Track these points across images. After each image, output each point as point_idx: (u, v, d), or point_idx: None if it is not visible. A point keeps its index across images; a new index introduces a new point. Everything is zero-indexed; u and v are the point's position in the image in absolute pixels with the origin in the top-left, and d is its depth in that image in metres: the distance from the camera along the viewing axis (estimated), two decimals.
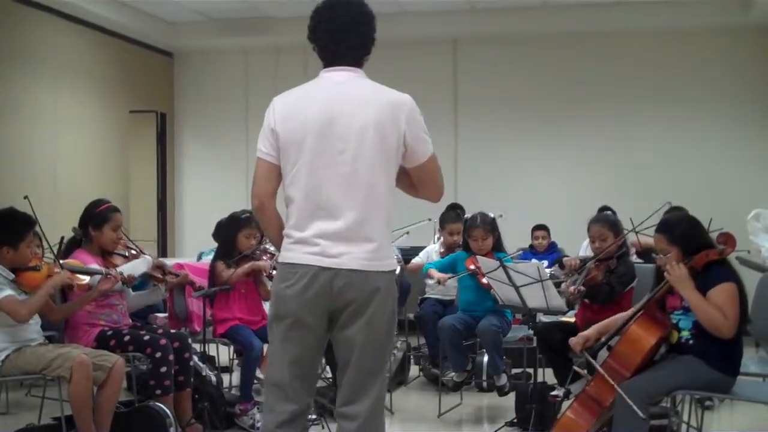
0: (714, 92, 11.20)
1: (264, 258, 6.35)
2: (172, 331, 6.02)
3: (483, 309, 6.55)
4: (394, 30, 11.30)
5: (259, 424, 5.87)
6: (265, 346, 5.68)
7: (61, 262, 5.29)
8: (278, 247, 3.69)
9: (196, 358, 6.07)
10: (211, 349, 7.18)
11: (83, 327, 5.53)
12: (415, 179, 3.70)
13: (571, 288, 5.99)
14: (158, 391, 5.49)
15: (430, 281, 7.55)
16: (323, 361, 5.86)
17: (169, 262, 6.87)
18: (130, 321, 5.87)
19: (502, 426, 6.26)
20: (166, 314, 6.84)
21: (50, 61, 10.03)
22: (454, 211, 8.26)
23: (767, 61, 10.96)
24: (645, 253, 7.67)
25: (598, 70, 11.50)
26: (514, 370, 7.41)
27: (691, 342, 4.68)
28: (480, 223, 6.70)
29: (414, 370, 8.19)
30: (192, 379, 5.84)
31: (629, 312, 5.09)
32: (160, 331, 5.83)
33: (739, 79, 11.15)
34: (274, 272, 4.00)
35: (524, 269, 5.82)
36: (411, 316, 8.09)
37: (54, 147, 10.05)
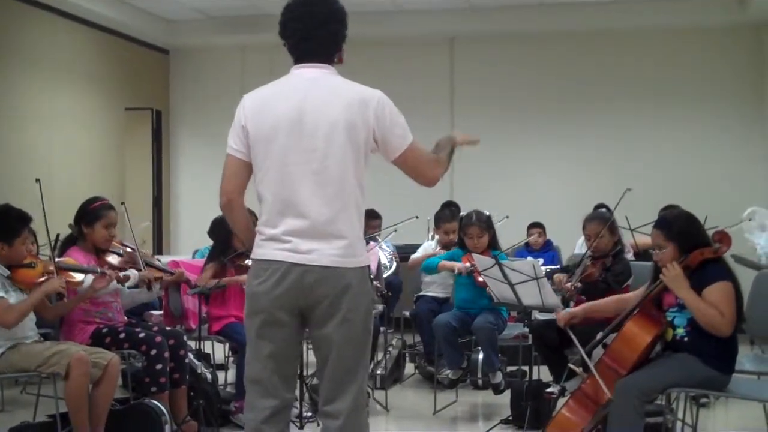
0: (711, 91, 11.21)
1: None
2: (168, 328, 6.02)
3: (478, 307, 6.56)
4: (391, 28, 11.34)
5: None
6: None
7: (56, 260, 5.27)
8: (247, 244, 3.72)
9: (191, 355, 6.06)
10: (207, 347, 7.18)
11: (79, 325, 5.52)
12: (402, 170, 3.72)
13: (568, 284, 6.01)
14: (154, 389, 5.49)
15: (437, 282, 7.54)
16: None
17: (164, 259, 6.88)
18: (126, 318, 5.86)
19: (497, 423, 6.27)
20: (162, 312, 6.84)
21: (46, 58, 10.01)
22: (449, 209, 8.25)
23: (764, 59, 10.96)
24: (642, 254, 7.66)
25: (595, 69, 11.50)
26: (510, 368, 7.41)
27: (686, 339, 4.69)
28: (475, 221, 6.70)
29: (409, 367, 8.20)
30: (187, 377, 5.83)
31: (623, 296, 5.14)
32: (155, 328, 5.82)
33: (737, 78, 11.16)
34: None
35: (519, 267, 5.82)
36: (406, 313, 8.09)
37: (49, 144, 10.03)
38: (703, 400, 6.43)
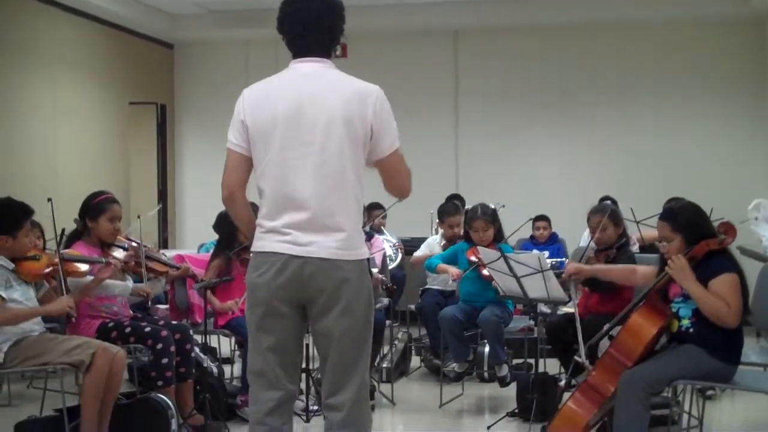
0: (715, 84, 11.18)
1: None
2: (174, 322, 6.03)
3: (484, 300, 6.55)
4: (394, 21, 11.32)
5: None
6: None
7: (61, 252, 5.28)
8: (249, 237, 3.73)
9: (197, 349, 6.07)
10: (213, 341, 7.19)
11: (84, 319, 5.53)
12: (381, 174, 3.72)
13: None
14: (160, 383, 5.50)
15: (442, 276, 7.53)
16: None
17: (169, 253, 6.89)
18: (131, 312, 5.87)
19: (504, 416, 6.27)
20: (168, 306, 6.85)
21: (50, 52, 10.01)
22: (452, 202, 8.24)
23: (765, 52, 10.92)
24: (648, 247, 7.66)
25: (599, 61, 11.47)
26: (516, 361, 7.42)
27: (691, 330, 4.68)
28: (481, 214, 6.69)
29: (415, 360, 8.21)
30: (193, 371, 5.84)
31: (634, 267, 5.19)
32: (161, 322, 5.83)
33: (741, 71, 11.12)
34: None
35: (525, 260, 5.82)
36: (412, 307, 8.10)
37: (54, 139, 10.03)
38: (710, 392, 6.42)
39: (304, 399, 6.16)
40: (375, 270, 7.01)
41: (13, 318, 5.01)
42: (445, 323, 6.55)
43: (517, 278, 5.75)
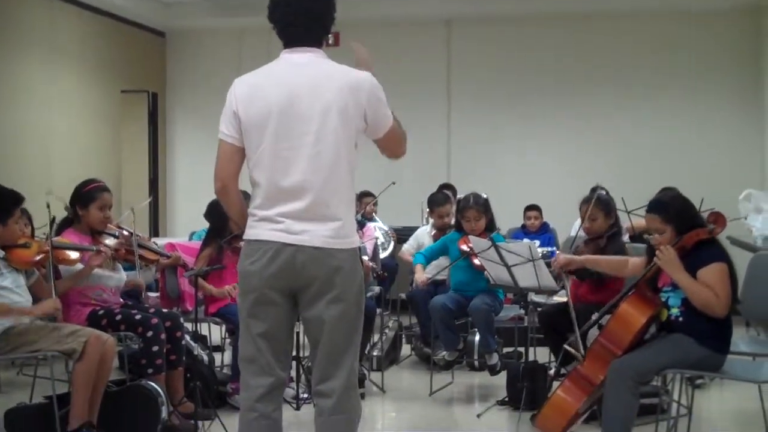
0: (709, 75, 11.17)
1: None
2: (164, 310, 6.02)
3: (475, 289, 6.56)
4: (387, 9, 11.31)
5: None
6: None
7: (51, 239, 5.28)
8: (242, 228, 3.75)
9: (187, 337, 6.07)
10: (203, 329, 7.18)
11: (75, 306, 5.54)
12: (379, 146, 3.74)
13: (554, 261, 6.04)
14: (150, 370, 5.50)
15: (434, 263, 7.55)
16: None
17: (160, 241, 6.88)
18: (121, 300, 5.87)
19: (493, 404, 6.30)
20: (158, 294, 6.85)
21: (41, 40, 9.98)
22: (442, 192, 8.24)
23: (762, 44, 10.93)
24: (638, 237, 7.67)
25: (592, 51, 11.47)
26: (506, 349, 7.44)
27: (680, 319, 4.69)
28: (473, 204, 6.69)
29: (406, 349, 8.22)
30: (184, 358, 5.84)
31: (626, 258, 5.21)
32: (151, 310, 5.82)
33: (734, 62, 11.13)
34: None
35: (516, 249, 5.83)
36: (403, 295, 8.10)
37: (45, 127, 10.01)
38: (699, 381, 6.44)
39: (295, 387, 6.16)
40: (366, 258, 7.02)
41: (5, 312, 5.01)
42: (436, 312, 6.56)
43: (508, 267, 5.76)
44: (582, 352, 4.88)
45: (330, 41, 3.77)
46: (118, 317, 5.53)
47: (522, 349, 6.93)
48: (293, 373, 5.93)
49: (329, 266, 3.51)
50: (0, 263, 5.07)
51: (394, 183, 7.75)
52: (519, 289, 5.91)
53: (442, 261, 7.17)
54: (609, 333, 4.72)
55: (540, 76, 11.60)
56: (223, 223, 6.36)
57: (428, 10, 11.47)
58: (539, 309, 6.22)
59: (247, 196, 3.84)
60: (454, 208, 7.63)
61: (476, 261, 6.28)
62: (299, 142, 3.52)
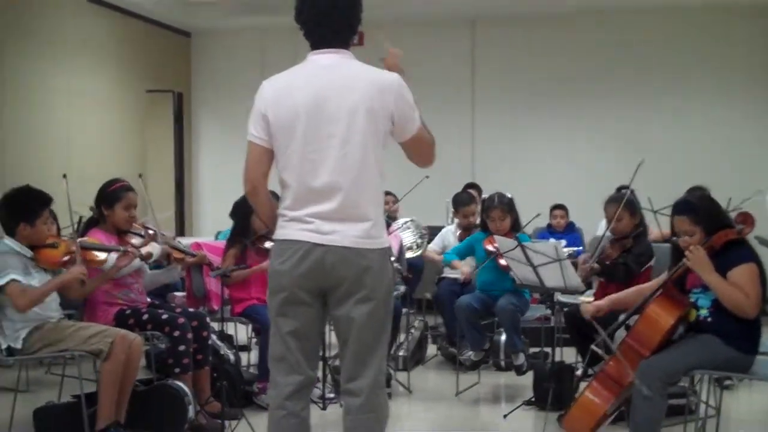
0: (733, 71, 11.11)
1: None
2: (191, 309, 6.03)
3: (501, 289, 6.55)
4: (412, 8, 11.28)
5: None
6: None
7: (78, 240, 5.31)
8: (272, 228, 3.77)
9: (214, 336, 6.09)
10: (230, 328, 7.20)
11: (102, 306, 5.56)
12: (406, 151, 3.74)
13: (585, 264, 6.01)
14: (177, 370, 5.52)
15: (451, 273, 7.53)
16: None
17: (186, 241, 6.90)
18: (148, 299, 5.89)
19: (520, 405, 6.27)
20: (185, 293, 6.86)
21: (68, 40, 10.04)
22: (467, 192, 8.23)
23: None
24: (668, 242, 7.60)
25: (617, 49, 11.40)
26: (532, 350, 7.40)
27: (709, 320, 4.66)
28: (498, 203, 6.69)
29: (431, 349, 8.20)
30: (210, 358, 5.86)
31: (645, 286, 5.08)
32: (178, 309, 5.85)
33: (756, 58, 11.04)
34: None
35: (542, 249, 5.81)
36: (428, 295, 8.09)
37: (71, 127, 10.07)
38: (727, 382, 6.40)
39: (321, 386, 6.17)
40: (392, 259, 7.01)
41: (39, 297, 5.05)
42: (461, 312, 6.55)
43: (534, 267, 5.74)
44: (612, 349, 4.84)
45: (354, 41, 3.77)
46: (145, 317, 5.55)
47: (548, 350, 6.89)
48: (319, 373, 5.92)
49: (359, 266, 3.52)
50: (28, 263, 5.10)
51: (428, 177, 7.73)
52: (545, 289, 5.89)
53: (469, 260, 7.16)
54: (637, 334, 4.69)
55: (564, 76, 11.55)
56: (245, 223, 6.37)
57: (453, 10, 11.45)
58: (565, 309, 6.19)
59: (276, 197, 3.84)
60: (479, 207, 7.62)
61: (502, 261, 6.26)
62: (327, 143, 3.53)
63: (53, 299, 5.24)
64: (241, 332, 7.67)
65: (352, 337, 3.60)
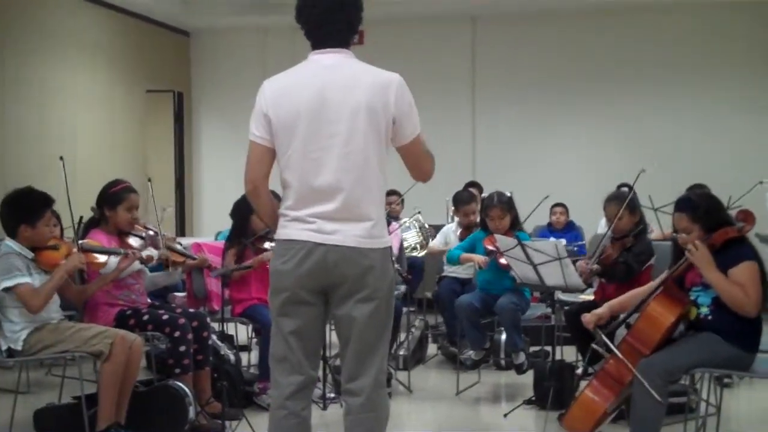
0: (735, 69, 11.10)
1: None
2: (191, 310, 6.03)
3: (501, 288, 6.55)
4: (412, 6, 11.28)
5: None
6: None
7: (79, 242, 5.30)
8: (273, 228, 3.77)
9: (214, 337, 6.09)
10: (230, 329, 7.20)
11: (102, 307, 5.55)
12: (404, 159, 3.74)
13: (584, 264, 6.00)
14: (177, 370, 5.51)
15: (452, 272, 7.52)
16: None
17: (186, 241, 6.89)
18: (148, 300, 5.89)
19: (520, 404, 6.28)
20: (185, 294, 6.87)
21: (67, 40, 10.05)
22: (467, 190, 8.22)
23: None
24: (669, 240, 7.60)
25: (617, 48, 11.42)
26: (533, 348, 7.40)
27: (709, 318, 4.66)
28: (497, 202, 6.68)
29: (432, 348, 8.21)
30: (211, 358, 5.86)
31: (645, 288, 5.07)
32: (178, 310, 5.85)
33: (761, 53, 11.03)
34: None
35: (542, 247, 5.81)
36: (429, 294, 8.09)
37: (71, 127, 10.07)
38: (727, 380, 6.40)
39: (321, 386, 6.17)
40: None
41: (50, 292, 5.06)
42: (462, 311, 6.55)
43: (534, 266, 5.74)
44: (612, 349, 4.84)
45: (355, 40, 3.77)
46: (146, 317, 5.55)
47: (549, 348, 6.89)
48: (320, 373, 5.93)
49: (361, 265, 3.53)
50: (30, 264, 5.09)
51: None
52: (546, 288, 5.89)
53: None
54: (637, 332, 4.69)
55: (564, 74, 11.56)
56: (244, 222, 6.36)
57: (453, 8, 11.44)
58: (566, 308, 6.19)
59: (276, 197, 3.84)
60: (479, 206, 7.62)
61: (502, 260, 6.26)
62: (329, 143, 3.53)
63: (54, 301, 5.24)
64: (242, 332, 7.67)
65: (353, 337, 3.61)
